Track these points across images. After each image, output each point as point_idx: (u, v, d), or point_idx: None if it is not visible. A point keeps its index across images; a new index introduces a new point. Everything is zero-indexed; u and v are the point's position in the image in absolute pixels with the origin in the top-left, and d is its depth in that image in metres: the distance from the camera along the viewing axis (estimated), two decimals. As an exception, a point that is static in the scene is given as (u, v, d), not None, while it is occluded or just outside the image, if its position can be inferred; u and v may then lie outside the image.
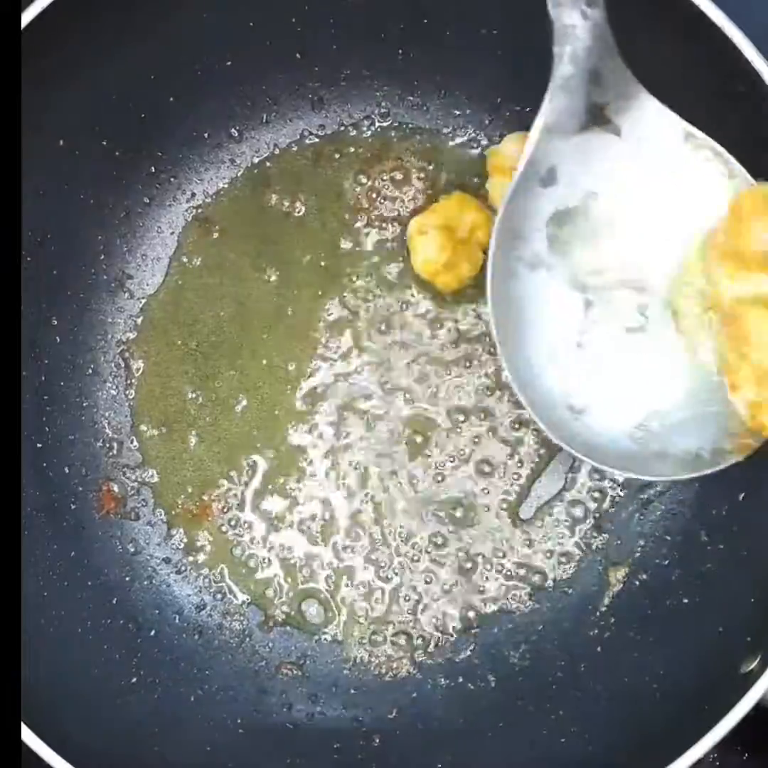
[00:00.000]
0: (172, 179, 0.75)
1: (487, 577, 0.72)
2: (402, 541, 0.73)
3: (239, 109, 0.75)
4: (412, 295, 0.74)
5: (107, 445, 0.74)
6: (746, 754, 0.70)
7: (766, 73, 0.57)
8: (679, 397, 0.61)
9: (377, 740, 0.70)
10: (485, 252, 0.72)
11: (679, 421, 0.61)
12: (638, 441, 0.61)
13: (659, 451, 0.60)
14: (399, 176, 0.75)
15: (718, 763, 0.70)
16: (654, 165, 0.60)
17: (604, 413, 0.62)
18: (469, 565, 0.72)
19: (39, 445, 0.71)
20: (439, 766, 0.67)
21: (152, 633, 0.72)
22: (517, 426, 0.73)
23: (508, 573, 0.72)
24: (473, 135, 0.75)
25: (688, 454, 0.60)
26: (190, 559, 0.74)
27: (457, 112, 0.75)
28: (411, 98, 0.75)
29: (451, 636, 0.72)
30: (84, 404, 0.74)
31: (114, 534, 0.73)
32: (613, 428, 0.61)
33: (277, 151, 0.76)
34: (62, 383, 0.73)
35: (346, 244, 0.75)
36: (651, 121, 0.59)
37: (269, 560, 0.73)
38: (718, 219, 0.58)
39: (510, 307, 0.61)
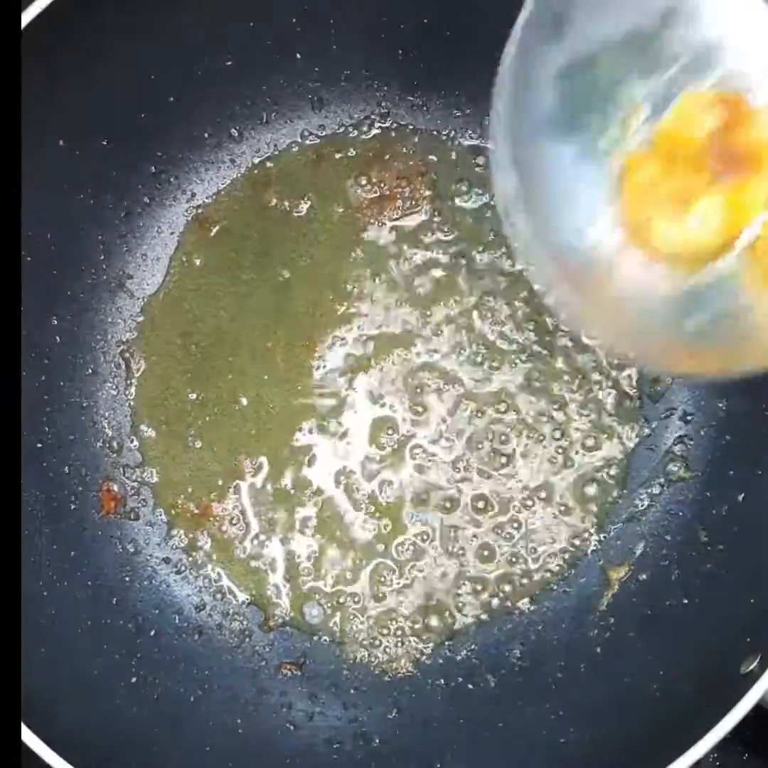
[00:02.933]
0: (172, 179, 0.75)
1: (487, 578, 0.72)
2: (402, 541, 0.73)
3: (239, 109, 0.75)
4: (412, 294, 0.74)
5: (107, 445, 0.74)
6: (746, 754, 0.70)
7: (766, 73, 0.57)
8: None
9: (377, 740, 0.70)
10: None
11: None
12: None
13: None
14: (399, 176, 0.75)
15: (718, 763, 0.70)
16: None
17: None
18: (469, 566, 0.72)
19: (39, 445, 0.71)
20: (439, 766, 0.67)
21: (152, 633, 0.72)
22: (515, 428, 0.73)
23: (509, 573, 0.72)
24: (473, 135, 0.75)
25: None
26: (190, 559, 0.74)
27: (457, 112, 0.75)
28: (411, 98, 0.75)
29: (451, 636, 0.72)
30: (84, 404, 0.74)
31: (114, 534, 0.73)
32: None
33: (277, 151, 0.76)
34: (62, 383, 0.73)
35: (346, 244, 0.75)
36: None
37: (269, 560, 0.73)
38: None
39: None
